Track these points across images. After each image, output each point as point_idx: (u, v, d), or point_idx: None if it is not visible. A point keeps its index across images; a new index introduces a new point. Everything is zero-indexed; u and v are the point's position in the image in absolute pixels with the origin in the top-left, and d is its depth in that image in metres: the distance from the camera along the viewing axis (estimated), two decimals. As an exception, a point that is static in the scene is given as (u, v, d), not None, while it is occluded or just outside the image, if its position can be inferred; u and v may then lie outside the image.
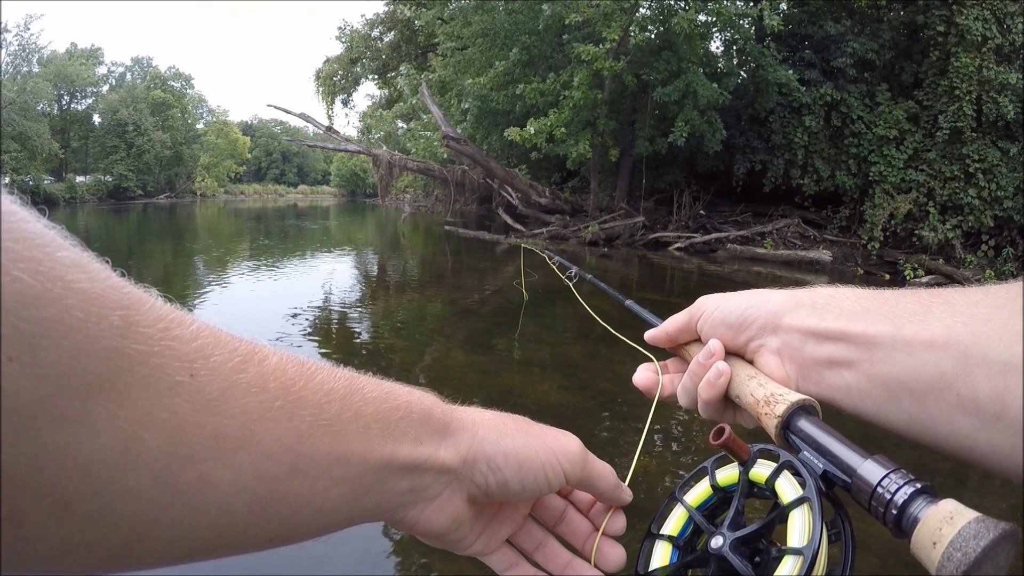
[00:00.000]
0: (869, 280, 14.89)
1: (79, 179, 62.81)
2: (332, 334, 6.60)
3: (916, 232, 15.53)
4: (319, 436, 0.38)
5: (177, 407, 0.31)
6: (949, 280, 15.01)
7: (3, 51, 50.73)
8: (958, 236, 15.18)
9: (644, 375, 0.65)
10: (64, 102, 64.45)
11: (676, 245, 16.00)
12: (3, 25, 52.10)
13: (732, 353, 0.59)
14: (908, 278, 15.03)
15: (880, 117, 15.88)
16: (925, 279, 14.98)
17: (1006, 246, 14.89)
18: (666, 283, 11.73)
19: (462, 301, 8.88)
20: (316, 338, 6.21)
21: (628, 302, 0.80)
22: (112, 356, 0.29)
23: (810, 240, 16.66)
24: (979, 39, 14.58)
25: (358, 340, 6.55)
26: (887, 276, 15.53)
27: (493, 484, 0.48)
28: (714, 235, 16.45)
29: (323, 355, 5.60)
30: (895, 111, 15.77)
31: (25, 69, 55.19)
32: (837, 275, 14.84)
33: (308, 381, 0.39)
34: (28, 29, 53.69)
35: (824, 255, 15.53)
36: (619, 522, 0.57)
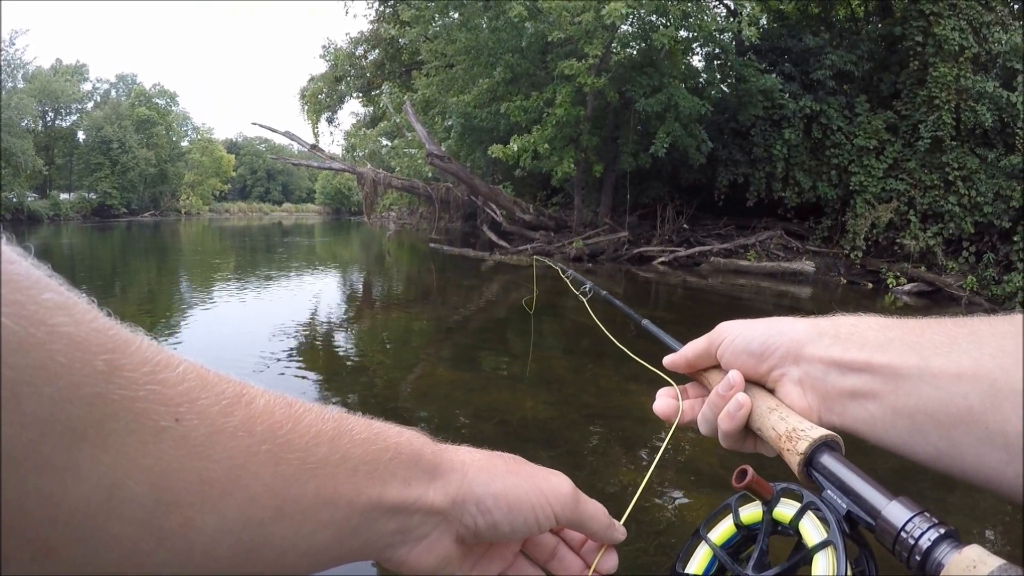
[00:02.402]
0: (852, 289, 14.99)
1: (63, 196, 62.48)
2: (317, 353, 6.53)
3: (898, 241, 15.71)
4: (306, 480, 0.37)
5: (162, 453, 0.32)
6: (931, 287, 15.14)
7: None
8: (939, 243, 15.36)
9: (664, 401, 0.64)
10: (49, 118, 64.12)
11: (660, 259, 16.07)
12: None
13: (753, 382, 0.58)
14: (891, 286, 15.16)
15: (860, 128, 16.10)
16: (908, 287, 15.11)
17: (987, 251, 15.07)
18: (651, 297, 11.73)
19: (447, 318, 8.84)
20: (301, 357, 6.14)
21: (644, 322, 0.79)
22: (96, 402, 0.29)
23: (793, 251, 16.79)
24: (956, 49, 14.83)
25: (344, 359, 6.49)
26: (870, 285, 15.65)
27: (482, 525, 0.47)
28: (697, 249, 16.55)
29: (308, 374, 5.53)
30: (874, 122, 15.98)
31: (10, 84, 54.79)
32: (820, 285, 14.95)
33: (296, 423, 0.38)
34: (13, 44, 53.38)
35: (807, 266, 15.66)
36: (611, 560, 0.55)
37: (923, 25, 15.27)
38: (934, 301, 14.51)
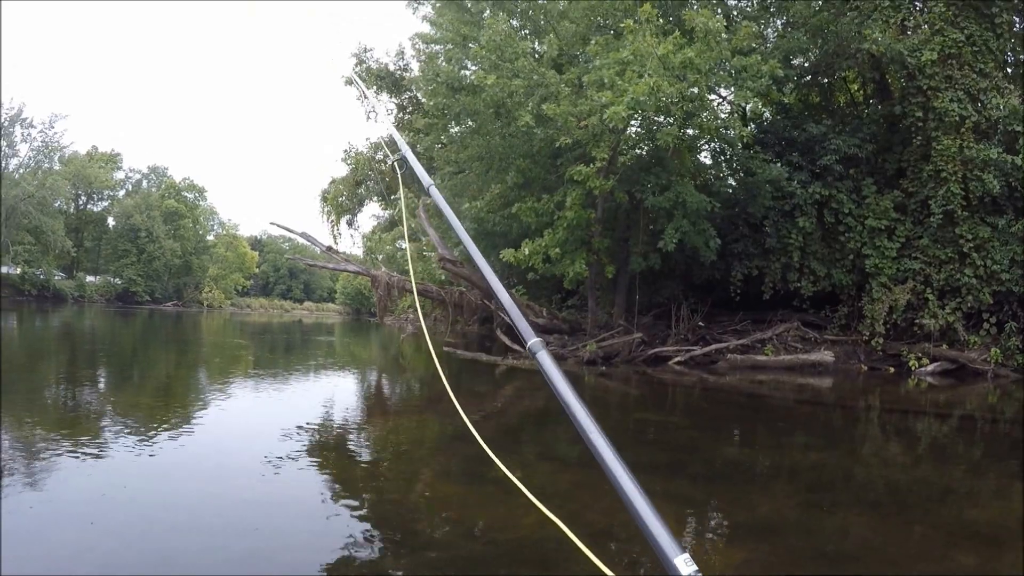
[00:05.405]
0: (874, 375, 14.68)
1: (89, 279, 64.30)
2: (329, 456, 6.48)
3: (917, 321, 15.39)
4: None
5: None
6: (955, 364, 14.74)
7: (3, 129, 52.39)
8: (959, 318, 15.04)
9: None
10: (81, 202, 66.61)
11: (676, 359, 15.86)
12: (18, 113, 54.02)
13: None
14: (913, 368, 14.83)
15: (869, 210, 16.08)
16: (930, 367, 14.76)
17: (1008, 320, 14.75)
18: (668, 400, 11.58)
19: (459, 424, 8.77)
20: (311, 459, 6.10)
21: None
22: None
23: (811, 342, 16.62)
24: (957, 119, 14.94)
25: (355, 464, 6.43)
26: (891, 369, 15.34)
27: None
28: (714, 346, 16.37)
29: (318, 478, 5.49)
30: (883, 202, 15.99)
31: (46, 165, 57.02)
32: (841, 375, 14.69)
33: None
34: (52, 127, 56.11)
35: (826, 356, 15.46)
36: None
37: (922, 100, 15.47)
38: (959, 379, 14.10)
